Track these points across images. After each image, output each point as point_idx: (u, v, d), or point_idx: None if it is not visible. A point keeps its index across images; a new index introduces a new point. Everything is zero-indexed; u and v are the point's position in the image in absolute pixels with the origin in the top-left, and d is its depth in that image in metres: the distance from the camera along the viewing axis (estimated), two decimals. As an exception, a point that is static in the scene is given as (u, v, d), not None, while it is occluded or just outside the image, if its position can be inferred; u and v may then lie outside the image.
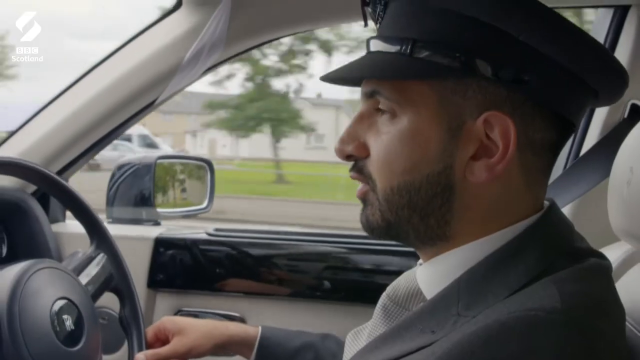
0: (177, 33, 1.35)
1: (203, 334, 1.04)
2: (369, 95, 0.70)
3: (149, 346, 1.05)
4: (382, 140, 0.68)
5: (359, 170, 0.71)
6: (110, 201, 1.61)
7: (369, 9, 0.72)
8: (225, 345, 1.04)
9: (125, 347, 1.10)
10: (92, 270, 1.05)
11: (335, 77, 0.72)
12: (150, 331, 1.07)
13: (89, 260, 1.06)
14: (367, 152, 0.70)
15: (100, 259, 1.07)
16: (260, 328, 1.05)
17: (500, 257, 0.65)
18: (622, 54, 1.33)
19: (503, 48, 0.63)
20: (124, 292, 1.09)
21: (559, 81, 0.65)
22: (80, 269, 1.03)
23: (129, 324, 1.08)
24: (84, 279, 1.02)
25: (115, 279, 1.08)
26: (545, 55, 0.63)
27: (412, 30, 0.66)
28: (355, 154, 0.71)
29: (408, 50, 0.65)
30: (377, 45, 0.69)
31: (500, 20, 0.62)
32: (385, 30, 0.69)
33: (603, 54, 0.66)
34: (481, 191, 0.66)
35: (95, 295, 1.03)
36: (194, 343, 1.03)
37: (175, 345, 1.03)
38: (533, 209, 0.68)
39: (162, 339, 1.05)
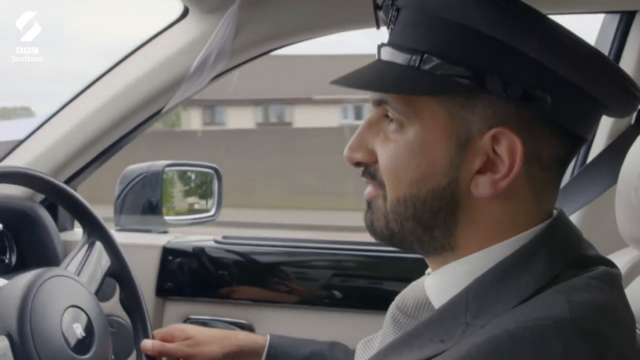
0: (184, 42, 1.35)
1: (213, 342, 1.05)
2: (377, 103, 0.69)
3: None
4: (389, 149, 0.68)
5: (372, 175, 0.71)
6: (119, 209, 1.61)
7: (381, 14, 0.71)
8: (234, 355, 1.04)
9: (134, 356, 1.11)
10: (91, 262, 1.06)
11: (348, 84, 0.71)
12: (157, 334, 1.08)
13: (85, 253, 1.07)
14: (376, 158, 0.70)
15: (96, 248, 1.08)
16: (268, 337, 1.05)
17: (508, 266, 0.65)
18: (629, 59, 1.33)
19: (513, 64, 0.62)
20: (122, 274, 1.10)
21: (569, 98, 0.63)
22: (78, 263, 1.05)
23: (131, 305, 1.10)
24: (85, 274, 1.03)
25: (112, 264, 1.09)
26: (555, 73, 0.62)
27: (422, 41, 0.65)
28: (364, 161, 0.71)
29: (417, 63, 0.65)
30: (387, 53, 0.68)
31: (509, 35, 0.61)
32: (396, 38, 0.68)
33: (614, 71, 0.64)
34: (487, 205, 0.66)
35: (99, 287, 1.05)
36: (202, 349, 1.03)
37: (183, 346, 1.04)
38: (541, 219, 0.67)
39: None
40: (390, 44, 0.69)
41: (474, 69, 0.63)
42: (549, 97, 0.63)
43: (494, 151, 0.64)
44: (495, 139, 0.64)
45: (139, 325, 1.09)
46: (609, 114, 0.71)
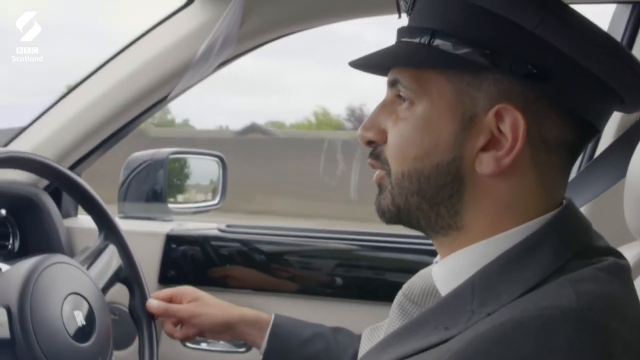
0: (190, 28, 1.35)
1: (217, 306, 1.08)
2: (391, 84, 0.71)
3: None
4: (398, 127, 0.69)
5: (377, 156, 0.72)
6: (123, 197, 1.62)
7: (401, 1, 0.73)
8: (235, 324, 1.06)
9: (136, 343, 1.11)
10: (102, 262, 1.06)
11: (363, 64, 0.73)
12: (168, 291, 1.10)
13: (98, 252, 1.07)
14: (386, 138, 0.71)
15: (109, 250, 1.08)
16: (273, 315, 1.07)
17: (515, 254, 0.65)
18: (640, 50, 1.32)
19: (519, 42, 0.63)
20: (134, 282, 1.10)
21: (576, 80, 0.64)
22: (90, 261, 1.04)
23: (139, 315, 1.09)
24: (93, 271, 1.03)
25: (124, 270, 1.09)
26: (562, 53, 0.62)
27: (433, 21, 0.67)
28: (375, 140, 0.72)
29: (427, 41, 0.66)
30: (403, 35, 0.71)
31: (516, 14, 0.62)
32: (412, 21, 0.70)
33: (623, 55, 0.64)
34: (492, 185, 0.66)
35: (106, 287, 1.04)
36: (206, 310, 1.06)
37: (187, 306, 1.07)
38: (549, 207, 0.67)
39: (175, 303, 1.09)
40: (407, 26, 0.71)
41: (481, 46, 0.64)
42: (554, 76, 0.63)
43: (499, 129, 0.65)
44: (499, 117, 0.64)
45: (146, 337, 1.08)
46: (622, 107, 0.70)
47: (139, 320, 1.08)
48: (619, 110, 0.71)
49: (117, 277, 1.07)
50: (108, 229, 1.09)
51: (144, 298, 1.09)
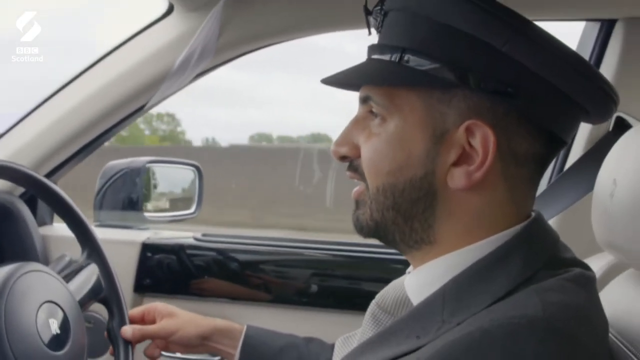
0: (168, 39, 1.36)
1: (190, 320, 1.07)
2: (363, 100, 0.72)
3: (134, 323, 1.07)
4: (371, 142, 0.71)
5: (355, 169, 0.74)
6: (98, 205, 1.61)
7: (371, 18, 0.75)
8: (209, 336, 1.06)
9: (110, 352, 1.10)
10: (82, 279, 1.04)
11: (335, 82, 0.74)
12: (140, 309, 1.09)
13: (79, 269, 1.05)
14: (359, 153, 0.72)
15: (90, 269, 1.07)
16: (245, 326, 1.07)
17: (485, 265, 0.66)
18: (608, 67, 1.35)
19: (487, 60, 0.64)
20: (113, 303, 1.08)
21: (543, 96, 0.65)
22: (70, 277, 1.03)
23: (117, 336, 1.07)
24: (72, 286, 1.01)
25: (104, 290, 1.07)
26: (529, 70, 0.64)
27: (402, 39, 0.68)
28: (348, 155, 0.74)
29: (397, 58, 0.68)
30: (374, 52, 0.72)
31: (484, 33, 0.64)
32: (382, 39, 0.72)
33: (588, 71, 0.66)
34: (464, 199, 0.68)
35: (83, 303, 1.03)
36: (181, 325, 1.05)
37: (162, 324, 1.06)
38: (518, 219, 0.69)
39: (148, 321, 1.08)
40: (377, 44, 0.72)
41: (450, 63, 0.65)
42: (522, 92, 0.65)
43: (469, 144, 0.66)
44: (470, 132, 0.66)
45: (122, 357, 1.05)
46: (588, 119, 0.72)
47: (116, 341, 1.07)
48: (585, 121, 0.73)
49: (96, 295, 1.06)
50: (91, 247, 1.08)
51: (122, 321, 1.07)
